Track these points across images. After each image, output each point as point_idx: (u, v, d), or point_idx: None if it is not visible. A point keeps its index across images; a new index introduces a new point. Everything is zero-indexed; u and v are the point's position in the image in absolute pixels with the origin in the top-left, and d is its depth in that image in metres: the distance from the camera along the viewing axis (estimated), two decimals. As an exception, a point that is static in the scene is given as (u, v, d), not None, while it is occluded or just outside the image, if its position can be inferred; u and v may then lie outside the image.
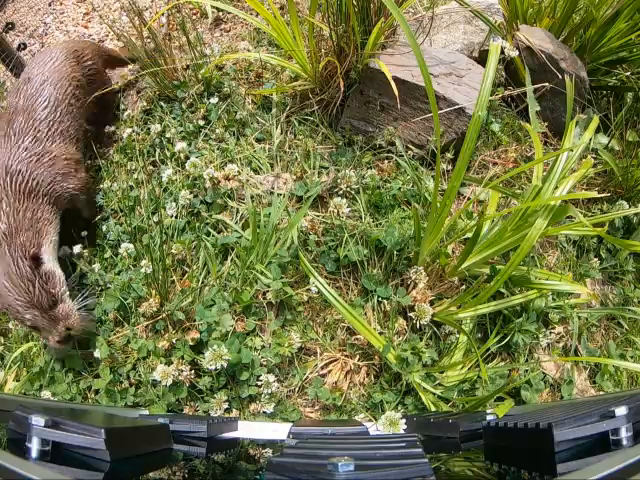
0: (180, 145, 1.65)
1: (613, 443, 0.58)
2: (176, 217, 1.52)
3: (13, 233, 1.34)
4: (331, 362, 1.33)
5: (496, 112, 1.76)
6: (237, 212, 1.51)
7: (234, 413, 1.26)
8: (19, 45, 2.79)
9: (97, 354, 1.33)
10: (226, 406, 1.25)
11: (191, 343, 1.29)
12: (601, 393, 1.42)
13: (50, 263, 1.36)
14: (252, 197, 1.52)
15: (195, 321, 1.32)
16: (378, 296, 1.35)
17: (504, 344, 1.34)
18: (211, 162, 1.63)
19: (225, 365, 1.20)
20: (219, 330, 1.29)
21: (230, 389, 1.28)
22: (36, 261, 1.31)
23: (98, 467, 0.58)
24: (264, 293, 1.35)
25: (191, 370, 1.26)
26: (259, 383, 1.25)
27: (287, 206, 1.50)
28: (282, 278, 1.33)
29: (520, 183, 1.64)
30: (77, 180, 1.54)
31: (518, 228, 1.24)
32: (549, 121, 1.74)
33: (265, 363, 1.29)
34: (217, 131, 1.73)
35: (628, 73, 1.75)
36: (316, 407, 1.30)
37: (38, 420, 0.57)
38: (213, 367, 1.20)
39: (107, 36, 2.54)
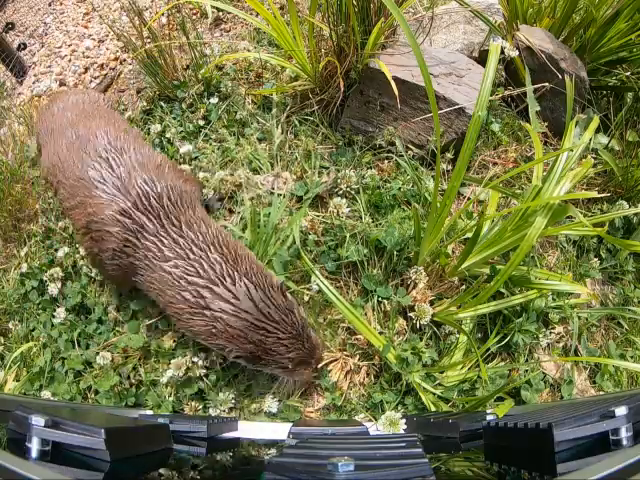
0: (186, 148, 1.65)
1: (613, 443, 0.58)
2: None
3: (238, 260, 1.12)
4: (331, 362, 1.33)
5: (496, 112, 1.76)
6: (237, 213, 1.51)
7: (235, 413, 1.26)
8: (19, 45, 2.79)
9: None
10: (231, 405, 1.25)
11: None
12: (601, 393, 1.42)
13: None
14: (252, 197, 1.52)
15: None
16: (378, 296, 1.35)
17: (504, 344, 1.34)
18: (212, 162, 1.63)
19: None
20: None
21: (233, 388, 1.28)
22: (285, 289, 1.13)
23: (98, 467, 0.58)
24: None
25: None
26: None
27: (287, 206, 1.50)
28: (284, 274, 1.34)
29: (520, 183, 1.64)
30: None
31: (518, 228, 1.24)
32: (549, 121, 1.74)
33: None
34: (217, 131, 1.73)
35: (628, 73, 1.75)
36: (316, 407, 1.30)
37: (38, 420, 0.58)
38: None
39: (107, 36, 2.54)
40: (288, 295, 1.13)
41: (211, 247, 1.12)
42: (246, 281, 1.07)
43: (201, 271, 1.08)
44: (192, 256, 1.10)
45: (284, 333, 1.05)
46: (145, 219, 1.17)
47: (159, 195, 1.21)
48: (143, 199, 1.19)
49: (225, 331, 1.05)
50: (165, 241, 1.14)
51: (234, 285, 1.07)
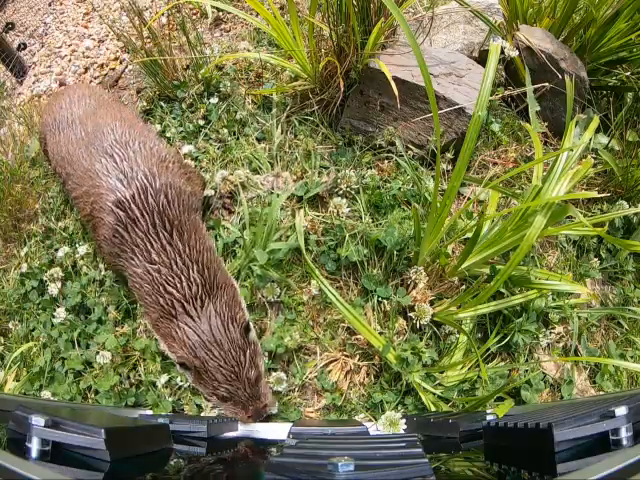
0: (187, 148, 1.66)
1: (613, 443, 0.58)
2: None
3: (214, 287, 1.21)
4: (331, 362, 1.33)
5: (496, 112, 1.76)
6: (237, 213, 1.51)
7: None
8: (19, 45, 2.79)
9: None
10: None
11: None
12: (601, 393, 1.42)
13: (253, 331, 1.25)
14: (252, 198, 1.52)
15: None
16: (378, 296, 1.35)
17: (504, 344, 1.34)
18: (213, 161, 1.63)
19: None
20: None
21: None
22: (247, 328, 1.19)
23: (98, 467, 0.58)
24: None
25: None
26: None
27: (288, 206, 1.50)
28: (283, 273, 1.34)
29: (520, 183, 1.64)
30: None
31: (518, 228, 1.24)
32: (549, 121, 1.74)
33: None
34: (218, 131, 1.73)
35: (628, 73, 1.75)
36: (316, 407, 1.30)
37: (38, 420, 0.57)
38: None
39: (107, 36, 2.54)
40: (249, 337, 1.19)
41: (194, 265, 1.20)
42: (211, 308, 1.18)
43: (179, 285, 1.18)
44: (175, 268, 1.19)
45: (226, 364, 1.13)
46: (139, 214, 1.22)
47: (157, 191, 1.24)
48: (141, 193, 1.24)
49: (182, 340, 1.16)
50: (155, 244, 1.21)
51: (201, 308, 1.18)
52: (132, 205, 1.22)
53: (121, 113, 1.56)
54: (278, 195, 1.46)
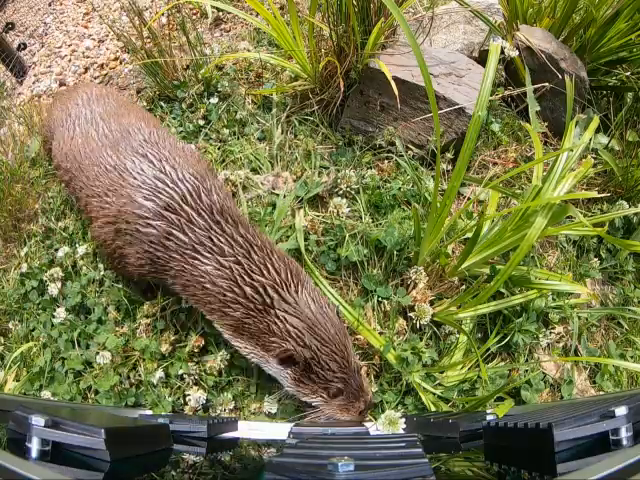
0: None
1: (613, 443, 0.58)
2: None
3: (296, 271, 1.14)
4: (331, 362, 1.33)
5: (496, 112, 1.76)
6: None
7: (235, 413, 1.26)
8: (19, 45, 2.79)
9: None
10: (231, 406, 1.25)
11: (195, 350, 1.30)
12: (601, 393, 1.42)
13: None
14: (252, 198, 1.52)
15: (197, 321, 1.32)
16: (378, 296, 1.35)
17: (504, 344, 1.34)
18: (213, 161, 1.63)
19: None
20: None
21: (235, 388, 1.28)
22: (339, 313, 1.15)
23: (98, 467, 0.58)
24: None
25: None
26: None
27: (287, 205, 1.50)
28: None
29: (520, 183, 1.64)
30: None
31: (518, 228, 1.24)
32: (549, 121, 1.74)
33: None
34: (218, 131, 1.73)
35: (628, 73, 1.75)
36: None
37: (38, 420, 0.57)
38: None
39: (107, 36, 2.54)
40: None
41: (272, 253, 1.14)
42: (306, 293, 1.10)
43: (266, 273, 1.09)
44: (255, 257, 1.12)
45: (337, 349, 1.04)
46: (194, 214, 1.16)
47: (209, 190, 1.21)
48: (193, 193, 1.18)
49: (285, 330, 1.05)
50: (222, 238, 1.13)
51: (297, 293, 1.09)
52: (185, 206, 1.16)
53: (143, 113, 1.54)
54: (285, 196, 1.46)
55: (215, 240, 1.13)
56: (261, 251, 1.13)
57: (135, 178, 1.22)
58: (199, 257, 1.13)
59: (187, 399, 1.24)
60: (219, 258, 1.11)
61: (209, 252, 1.12)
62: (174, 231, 1.15)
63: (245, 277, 1.09)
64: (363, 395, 1.08)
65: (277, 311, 1.06)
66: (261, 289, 1.08)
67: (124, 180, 1.23)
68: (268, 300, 1.08)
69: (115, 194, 1.24)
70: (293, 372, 1.09)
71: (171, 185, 1.19)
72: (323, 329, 1.05)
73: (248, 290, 1.08)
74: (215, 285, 1.11)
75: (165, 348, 1.31)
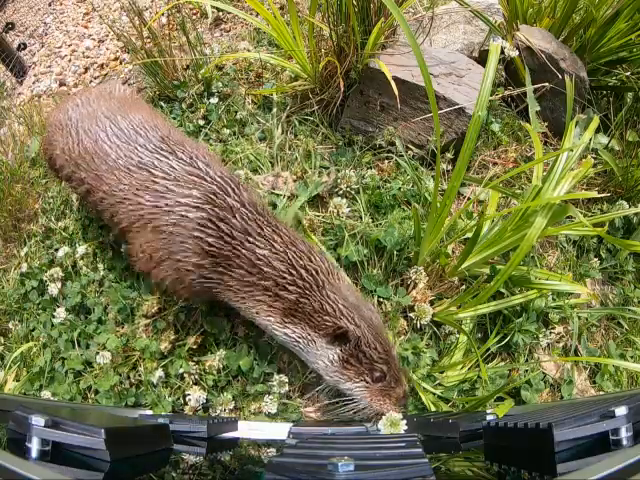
0: None
1: (613, 443, 0.58)
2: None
3: (330, 263, 1.19)
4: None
5: (496, 112, 1.76)
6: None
7: (236, 412, 1.26)
8: (19, 45, 2.79)
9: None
10: (231, 406, 1.25)
11: (193, 346, 1.30)
12: (601, 393, 1.42)
13: None
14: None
15: (196, 321, 1.32)
16: (378, 296, 1.35)
17: (504, 344, 1.34)
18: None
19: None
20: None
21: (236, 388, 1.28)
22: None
23: (98, 467, 0.58)
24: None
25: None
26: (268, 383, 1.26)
27: (287, 205, 1.50)
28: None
29: (520, 183, 1.64)
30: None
31: (518, 228, 1.24)
32: (549, 121, 1.74)
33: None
34: (218, 131, 1.73)
35: (628, 73, 1.75)
36: (316, 407, 1.30)
37: (38, 420, 0.57)
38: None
39: (107, 36, 2.55)
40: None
41: (313, 247, 1.19)
42: (346, 282, 1.18)
43: (314, 260, 1.15)
44: (301, 247, 1.16)
45: (380, 331, 1.09)
46: (239, 205, 1.16)
47: (245, 188, 1.21)
48: (235, 189, 1.19)
49: (338, 309, 1.10)
50: (268, 228, 1.16)
51: (339, 280, 1.16)
52: (228, 198, 1.16)
53: (155, 113, 1.46)
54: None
55: (264, 229, 1.15)
56: (303, 244, 1.17)
57: (168, 174, 1.19)
58: (254, 241, 1.14)
59: (187, 399, 1.24)
60: (273, 243, 1.14)
61: (261, 237, 1.14)
62: (226, 214, 1.14)
63: (300, 260, 1.13)
64: (402, 383, 1.11)
65: (328, 292, 1.11)
66: (313, 271, 1.13)
67: (155, 177, 1.19)
68: (320, 282, 1.13)
69: (147, 191, 1.19)
70: (342, 351, 1.10)
71: (209, 179, 1.18)
72: (366, 309, 1.12)
73: (303, 272, 1.12)
74: (273, 268, 1.12)
75: (165, 346, 1.31)
